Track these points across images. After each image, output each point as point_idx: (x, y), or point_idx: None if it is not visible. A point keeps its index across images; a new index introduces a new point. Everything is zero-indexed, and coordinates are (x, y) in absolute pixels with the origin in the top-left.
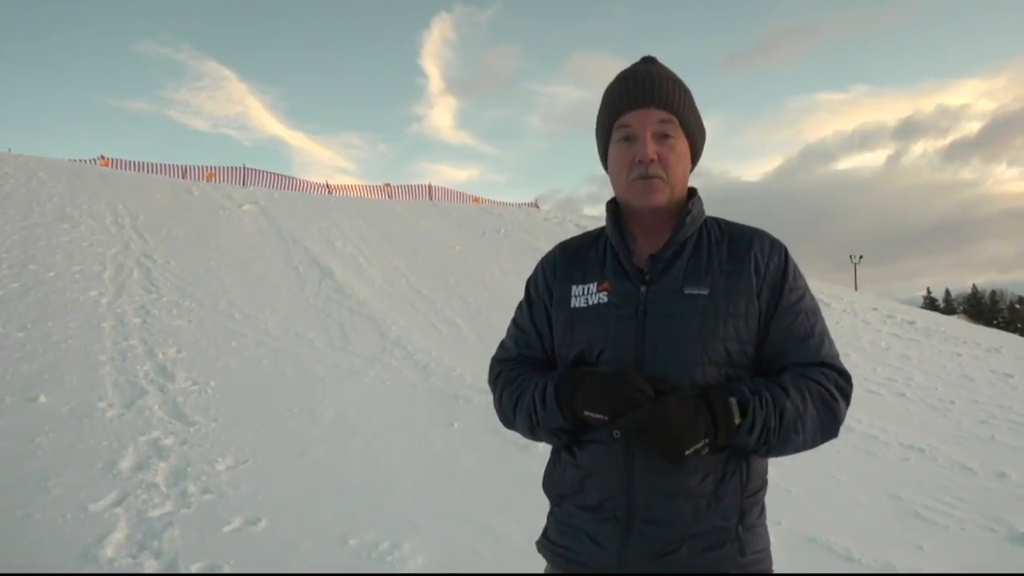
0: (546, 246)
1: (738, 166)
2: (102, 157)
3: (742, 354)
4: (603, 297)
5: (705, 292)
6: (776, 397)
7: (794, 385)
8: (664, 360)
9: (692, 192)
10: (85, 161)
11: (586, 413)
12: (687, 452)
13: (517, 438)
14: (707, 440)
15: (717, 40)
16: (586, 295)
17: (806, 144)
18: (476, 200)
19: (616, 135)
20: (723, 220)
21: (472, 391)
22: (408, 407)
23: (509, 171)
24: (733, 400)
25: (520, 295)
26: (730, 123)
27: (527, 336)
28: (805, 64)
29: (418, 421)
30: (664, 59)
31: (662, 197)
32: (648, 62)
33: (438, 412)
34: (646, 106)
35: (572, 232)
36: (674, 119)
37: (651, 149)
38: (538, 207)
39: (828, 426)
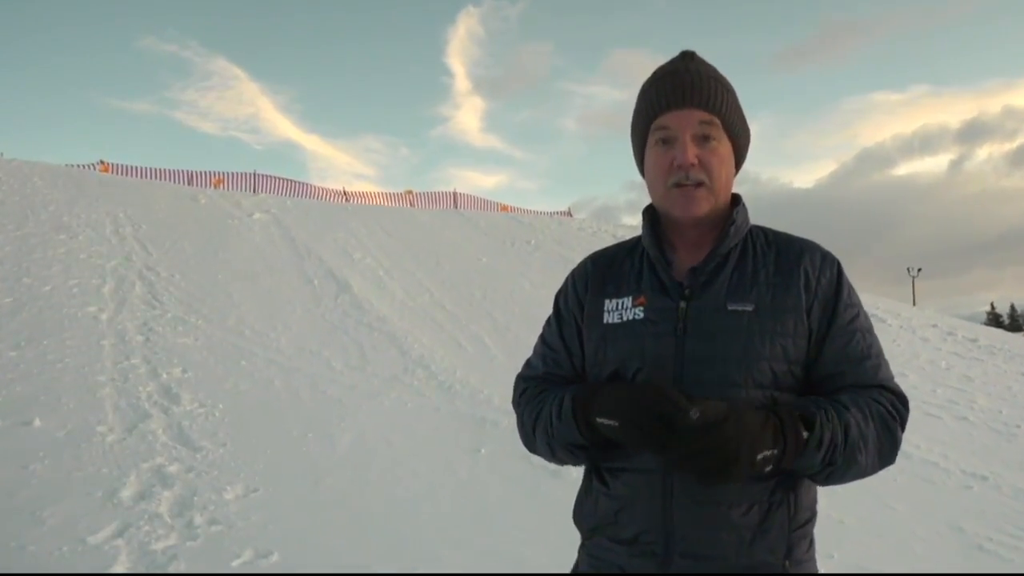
0: (580, 258)
1: (788, 171)
2: (102, 162)
3: (788, 375)
4: (639, 313)
5: (750, 308)
6: (840, 413)
7: (854, 403)
8: (704, 381)
9: (736, 199)
10: (83, 166)
11: (598, 420)
12: (758, 457)
13: (548, 464)
14: (775, 451)
15: (767, 36)
16: (620, 310)
17: (862, 148)
18: (505, 208)
19: (653, 138)
20: (770, 230)
21: (500, 414)
22: (431, 431)
23: (541, 177)
24: (798, 413)
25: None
26: (779, 125)
27: (555, 354)
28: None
29: (442, 446)
30: (710, 57)
31: (704, 206)
32: (687, 58)
33: (463, 437)
34: (685, 106)
35: (608, 242)
36: (716, 120)
37: (691, 152)
38: (571, 216)
39: (888, 450)
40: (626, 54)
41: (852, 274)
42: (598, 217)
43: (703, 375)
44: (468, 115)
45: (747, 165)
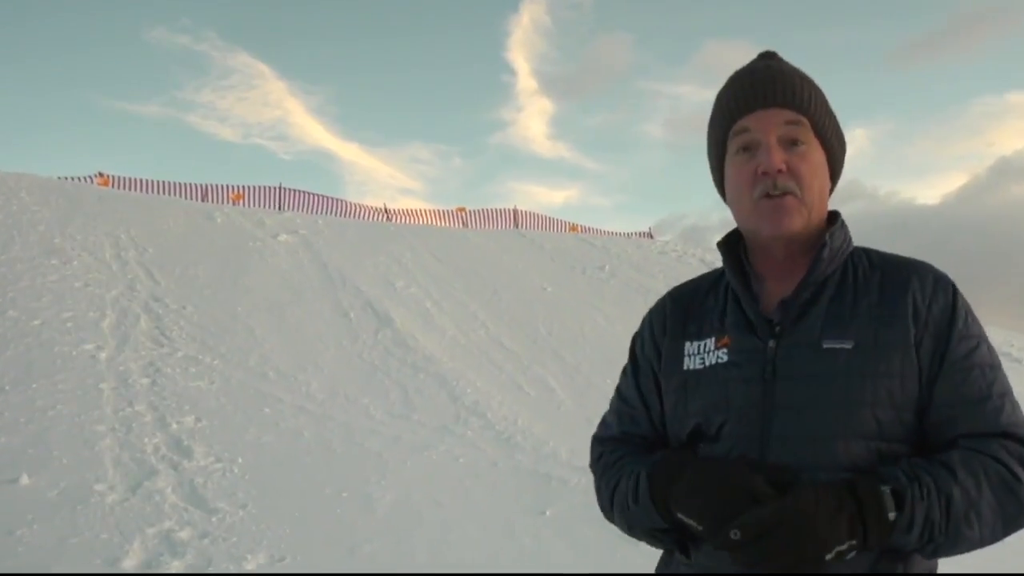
0: (663, 287)
1: (910, 185)
2: (100, 174)
3: (897, 424)
4: (723, 356)
5: (849, 345)
6: (941, 482)
7: (964, 464)
8: (797, 434)
9: (834, 218)
10: (79, 179)
11: (680, 516)
12: (827, 557)
13: None
14: (854, 542)
15: (884, 28)
16: (702, 354)
17: (998, 157)
18: (574, 229)
19: (732, 146)
20: (875, 251)
21: (568, 470)
22: (487, 490)
23: (618, 191)
24: (886, 489)
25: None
26: (898, 131)
27: (632, 410)
28: (993, 58)
29: (500, 508)
30: (818, 52)
31: (797, 220)
32: (767, 57)
33: (526, 497)
34: (768, 105)
35: (696, 270)
36: (804, 120)
37: (778, 157)
38: (653, 237)
39: (1013, 515)
40: (720, 46)
41: (985, 305)
42: (686, 238)
43: (793, 427)
44: (532, 119)
45: (862, 177)
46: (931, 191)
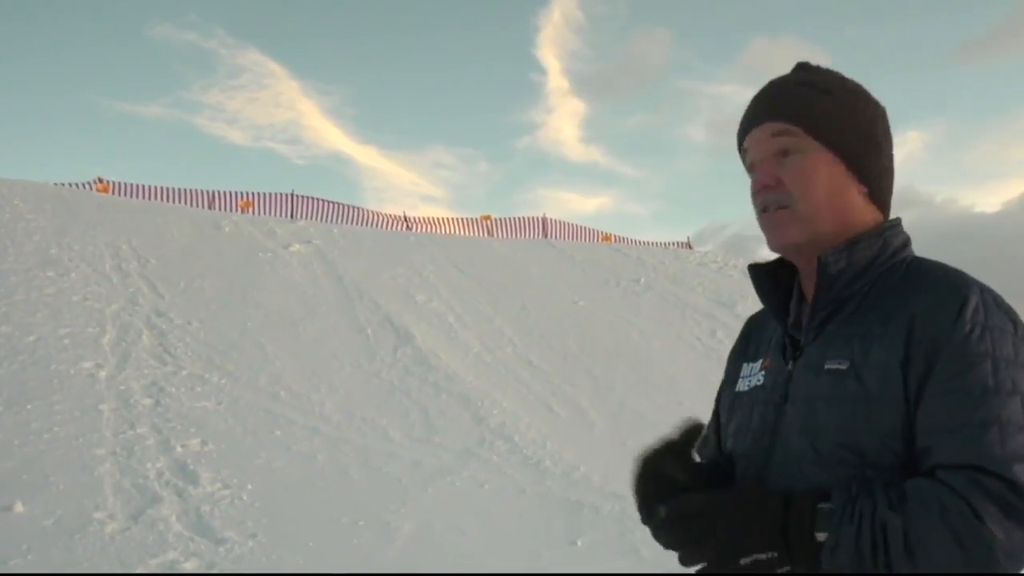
0: (702, 301)
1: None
2: (99, 180)
3: (885, 451)
4: (761, 378)
5: (844, 367)
6: (880, 509)
7: (917, 494)
8: (791, 459)
9: (883, 226)
10: (77, 185)
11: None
12: (743, 561)
13: (659, 558)
14: (774, 554)
15: (942, 25)
16: (750, 376)
17: None
18: (607, 238)
19: (745, 167)
20: (917, 262)
21: (601, 497)
22: (514, 518)
23: (655, 199)
24: (824, 507)
25: (668, 365)
26: (955, 135)
27: (710, 431)
28: None
29: (528, 537)
30: (870, 50)
31: (792, 232)
32: (795, 70)
33: (555, 525)
34: (759, 123)
35: (738, 282)
36: (793, 127)
37: (764, 173)
38: (692, 248)
39: (975, 558)
40: (768, 44)
41: None
42: (728, 249)
43: (790, 450)
44: (563, 121)
45: (916, 184)
46: (991, 198)
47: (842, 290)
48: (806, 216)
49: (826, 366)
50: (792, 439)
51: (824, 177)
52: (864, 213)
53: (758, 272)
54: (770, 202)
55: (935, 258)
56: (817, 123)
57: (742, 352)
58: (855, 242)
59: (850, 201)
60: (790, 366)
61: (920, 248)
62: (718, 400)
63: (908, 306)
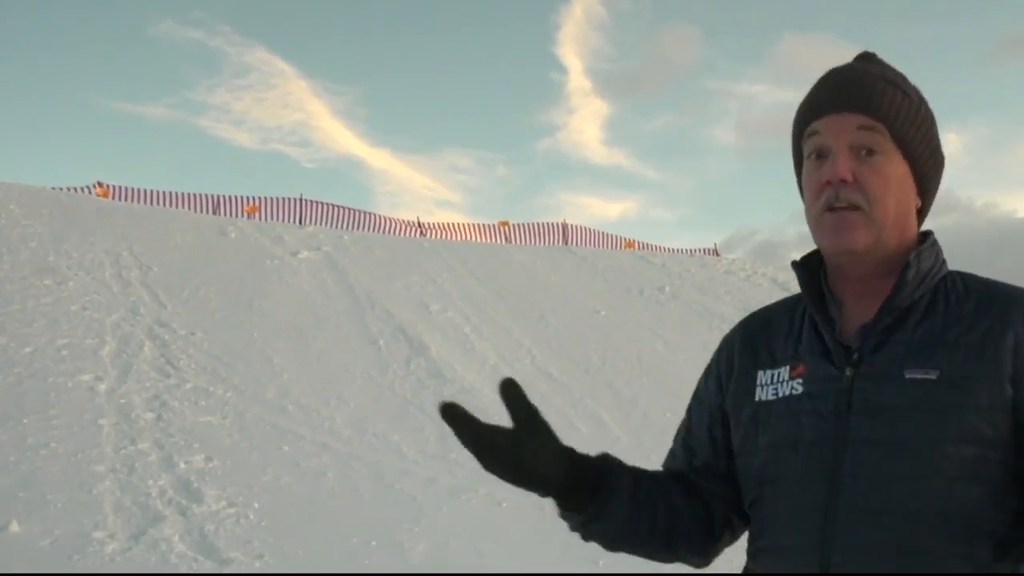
0: (730, 311)
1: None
2: (98, 184)
3: (984, 463)
4: (796, 386)
5: (933, 376)
6: None
7: None
8: (871, 473)
9: (924, 237)
10: (76, 189)
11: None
12: None
13: None
14: None
15: (982, 22)
16: (776, 384)
17: None
18: (631, 245)
19: (805, 149)
20: (972, 277)
21: None
22: (533, 537)
23: (681, 203)
24: None
25: (694, 378)
26: (996, 136)
27: (698, 444)
28: None
29: (549, 558)
30: (907, 49)
31: (861, 237)
32: (861, 59)
33: (577, 545)
34: (841, 109)
35: (766, 291)
36: (880, 127)
37: (844, 166)
38: (719, 255)
39: None
40: (800, 41)
41: None
42: (758, 255)
43: (868, 465)
44: (586, 122)
45: (955, 188)
46: None
47: (907, 298)
48: (878, 222)
49: (907, 375)
50: (868, 453)
51: (898, 185)
52: (914, 227)
53: (804, 270)
54: (843, 198)
55: (977, 267)
56: (902, 127)
57: (751, 360)
58: (923, 252)
59: (911, 214)
60: (848, 372)
61: (960, 255)
62: (690, 412)
63: (1005, 320)
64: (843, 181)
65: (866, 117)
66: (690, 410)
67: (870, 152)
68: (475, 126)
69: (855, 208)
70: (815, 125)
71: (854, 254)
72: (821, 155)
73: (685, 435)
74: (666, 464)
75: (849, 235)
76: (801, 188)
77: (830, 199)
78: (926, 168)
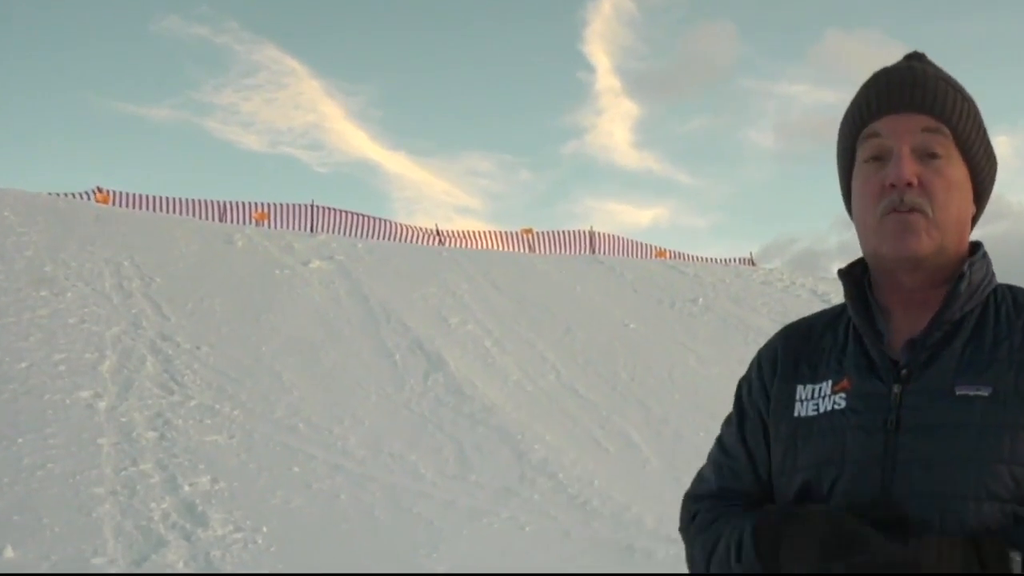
0: (766, 323)
1: None
2: (98, 189)
3: None
4: (839, 401)
5: (985, 393)
6: None
7: None
8: (921, 492)
9: (975, 248)
10: (74, 195)
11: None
12: None
13: None
14: None
15: None
16: (816, 399)
17: None
18: (662, 254)
19: (861, 153)
20: (1021, 290)
21: (655, 541)
22: (559, 565)
23: (716, 210)
24: (1016, 556)
25: (729, 395)
26: None
27: (733, 461)
28: None
29: None
30: (955, 46)
31: (925, 242)
32: (913, 59)
33: (604, 571)
34: (904, 109)
35: (806, 303)
36: (945, 130)
37: (909, 168)
38: (755, 265)
39: None
40: (843, 38)
41: None
42: (796, 265)
43: (917, 484)
44: (614, 124)
45: (1006, 192)
46: None
47: (958, 311)
48: (941, 227)
49: (958, 391)
50: (918, 471)
51: (959, 190)
52: (968, 235)
53: (849, 279)
54: (909, 202)
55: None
56: (964, 130)
57: (791, 373)
58: (975, 262)
59: (968, 221)
60: (896, 388)
61: (1010, 263)
62: (754, 427)
63: None
64: (908, 185)
65: (930, 119)
66: (724, 428)
67: (933, 155)
68: (497, 128)
69: (918, 212)
70: (875, 126)
71: (916, 260)
72: (880, 158)
73: (718, 456)
74: (693, 491)
75: (914, 240)
76: (847, 194)
77: (893, 203)
78: (984, 173)
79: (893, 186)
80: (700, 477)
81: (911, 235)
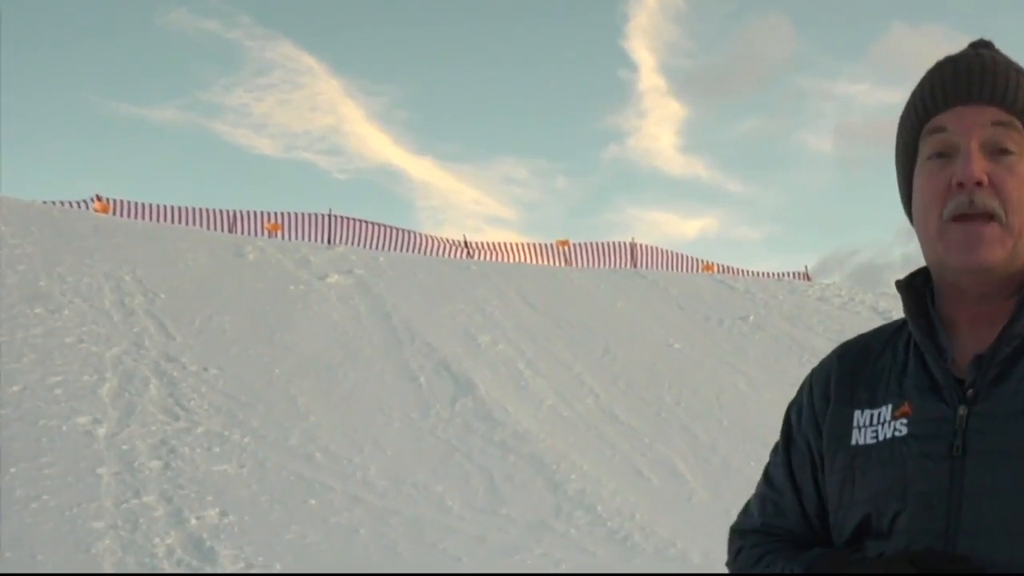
0: (822, 343)
1: None
2: (97, 197)
3: None
4: (900, 427)
5: None
6: None
7: None
8: (990, 527)
9: None
10: (71, 204)
11: None
12: None
13: None
14: None
15: None
16: (876, 425)
17: None
18: (709, 268)
19: (924, 149)
20: None
21: None
22: None
23: (769, 220)
24: None
25: (781, 420)
26: None
27: (778, 496)
28: None
29: None
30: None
31: (997, 251)
32: (980, 47)
33: None
34: (972, 101)
35: (865, 320)
36: (1017, 122)
37: (978, 166)
38: (810, 279)
39: None
40: (907, 34)
41: None
42: (857, 280)
43: (988, 517)
44: (659, 127)
45: None
46: None
47: None
48: (1014, 232)
49: None
50: (987, 503)
51: None
52: None
53: (909, 292)
54: (979, 204)
55: None
56: None
57: (847, 397)
58: None
59: None
60: (963, 411)
61: None
62: (802, 458)
63: None
64: (978, 184)
65: (1001, 111)
66: (772, 457)
67: (1005, 151)
68: (531, 132)
69: (989, 217)
70: (940, 119)
71: (987, 272)
72: (945, 154)
73: (763, 489)
74: (738, 524)
75: (984, 249)
76: (907, 197)
77: (961, 205)
78: None
79: (961, 185)
80: (746, 510)
81: (981, 244)
